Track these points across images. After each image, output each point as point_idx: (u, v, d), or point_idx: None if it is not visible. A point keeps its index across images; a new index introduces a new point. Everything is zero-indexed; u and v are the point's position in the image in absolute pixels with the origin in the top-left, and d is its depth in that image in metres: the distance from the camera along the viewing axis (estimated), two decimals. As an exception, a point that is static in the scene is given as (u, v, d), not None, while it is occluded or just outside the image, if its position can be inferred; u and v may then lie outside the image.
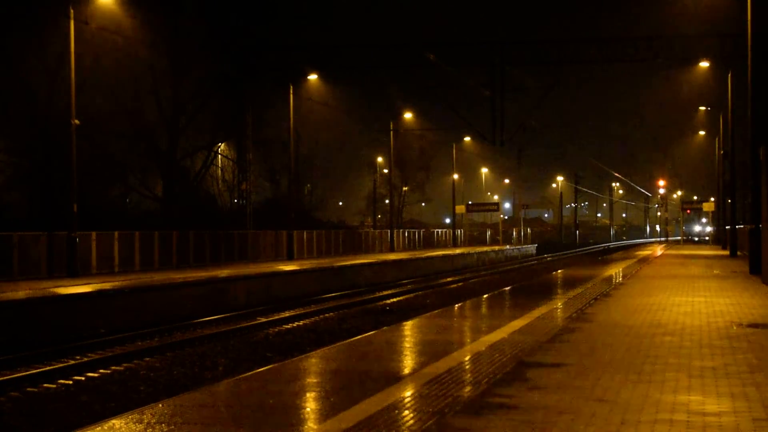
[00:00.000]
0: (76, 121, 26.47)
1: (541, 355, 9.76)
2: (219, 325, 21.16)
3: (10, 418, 11.44)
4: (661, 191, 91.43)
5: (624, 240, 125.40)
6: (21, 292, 19.61)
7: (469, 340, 11.51)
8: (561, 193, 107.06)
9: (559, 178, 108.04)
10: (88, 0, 30.51)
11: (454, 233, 69.92)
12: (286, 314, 23.56)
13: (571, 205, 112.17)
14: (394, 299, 29.03)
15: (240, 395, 7.90)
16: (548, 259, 66.59)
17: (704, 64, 42.60)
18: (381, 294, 30.56)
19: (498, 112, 43.52)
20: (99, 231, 28.65)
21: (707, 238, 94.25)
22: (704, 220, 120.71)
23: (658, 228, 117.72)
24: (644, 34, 45.12)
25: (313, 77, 44.60)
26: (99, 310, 19.83)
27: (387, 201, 72.74)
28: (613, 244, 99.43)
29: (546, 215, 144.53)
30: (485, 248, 64.43)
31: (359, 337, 12.67)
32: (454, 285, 35.94)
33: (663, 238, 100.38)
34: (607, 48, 42.31)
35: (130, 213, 44.65)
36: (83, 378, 14.22)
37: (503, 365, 9.05)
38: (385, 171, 72.27)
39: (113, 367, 15.11)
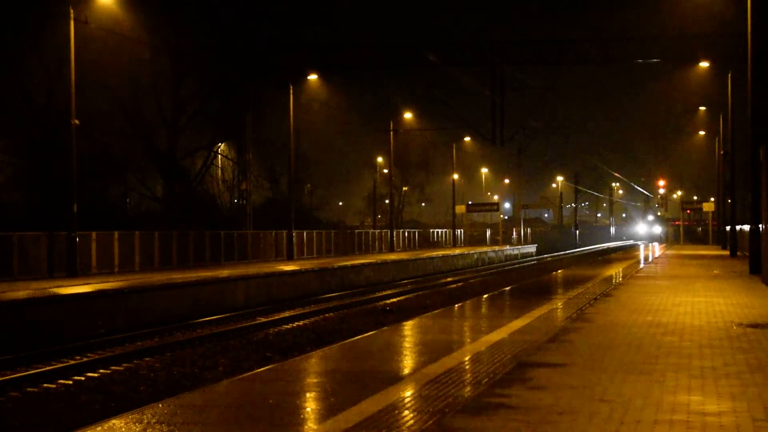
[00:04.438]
0: (76, 121, 26.46)
1: (542, 355, 9.76)
2: (219, 325, 21.17)
3: (10, 418, 11.44)
4: (661, 191, 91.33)
5: (624, 240, 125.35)
6: (21, 292, 19.60)
7: (469, 340, 11.51)
8: (561, 193, 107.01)
9: (559, 178, 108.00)
10: (88, 0, 30.52)
11: (453, 233, 69.91)
12: (286, 314, 23.56)
13: (571, 205, 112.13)
14: (394, 299, 29.02)
15: (240, 395, 7.90)
16: (548, 259, 66.57)
17: (704, 64, 42.60)
18: (381, 294, 30.55)
19: (498, 112, 43.56)
20: (99, 231, 28.64)
21: (656, 243, 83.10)
22: (651, 217, 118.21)
23: (658, 228, 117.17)
24: (644, 34, 45.17)
25: (313, 77, 44.59)
26: (99, 310, 19.82)
27: (387, 201, 72.74)
28: (613, 244, 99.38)
29: (546, 215, 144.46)
30: (485, 248, 64.41)
31: (359, 337, 12.67)
32: (454, 285, 35.93)
33: (663, 238, 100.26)
34: (607, 48, 42.30)
35: (130, 213, 44.71)
36: (83, 378, 14.22)
37: (503, 365, 9.04)
38: (385, 171, 72.29)
39: (113, 367, 15.11)
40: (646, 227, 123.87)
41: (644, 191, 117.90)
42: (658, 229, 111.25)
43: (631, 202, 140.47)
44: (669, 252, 51.50)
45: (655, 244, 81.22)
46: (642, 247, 68.56)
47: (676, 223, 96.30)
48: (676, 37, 42.90)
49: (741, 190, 52.28)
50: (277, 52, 44.54)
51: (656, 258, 41.04)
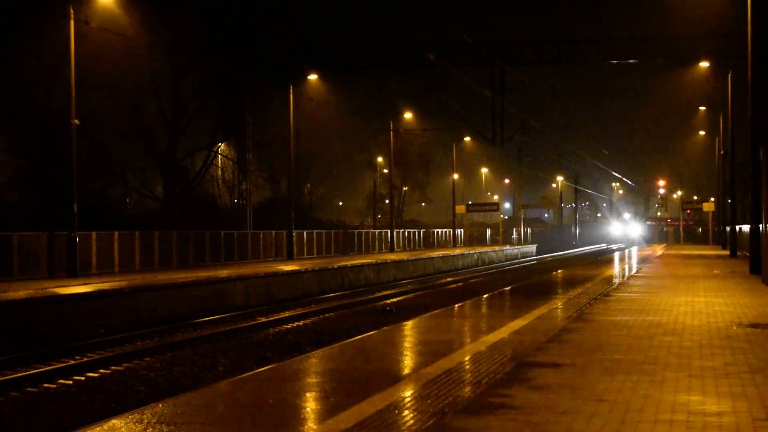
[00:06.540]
0: (76, 121, 26.46)
1: (541, 355, 9.75)
2: (219, 325, 21.16)
3: (10, 418, 11.44)
4: (661, 191, 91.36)
5: (624, 240, 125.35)
6: (21, 292, 19.60)
7: (469, 340, 11.50)
8: (561, 193, 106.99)
9: (559, 178, 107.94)
10: (88, 0, 30.53)
11: (453, 233, 69.91)
12: (286, 314, 23.56)
13: (571, 205, 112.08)
14: (394, 299, 29.02)
15: (240, 395, 7.89)
16: (548, 259, 66.58)
17: (704, 64, 42.61)
18: (381, 294, 30.55)
19: (498, 112, 43.58)
20: (99, 231, 28.63)
21: (634, 247, 69.53)
22: (627, 215, 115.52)
23: (637, 229, 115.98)
24: (644, 34, 45.18)
25: (313, 77, 44.60)
26: (99, 310, 19.82)
27: (387, 201, 72.73)
28: (613, 244, 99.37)
29: (546, 215, 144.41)
30: (485, 248, 64.41)
31: (359, 337, 12.67)
32: (454, 285, 35.93)
33: (663, 238, 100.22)
34: (607, 48, 42.33)
35: (130, 213, 44.71)
36: (83, 378, 14.23)
37: (503, 365, 9.04)
38: (385, 171, 72.29)
39: (113, 367, 15.11)
40: (621, 227, 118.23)
41: (631, 183, 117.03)
42: (636, 230, 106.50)
43: (631, 201, 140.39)
44: (669, 252, 51.49)
45: (633, 248, 66.67)
46: (617, 253, 54.98)
47: (674, 222, 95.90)
48: (676, 37, 42.96)
49: (741, 190, 52.32)
50: (277, 52, 44.58)
51: (656, 258, 41.04)
